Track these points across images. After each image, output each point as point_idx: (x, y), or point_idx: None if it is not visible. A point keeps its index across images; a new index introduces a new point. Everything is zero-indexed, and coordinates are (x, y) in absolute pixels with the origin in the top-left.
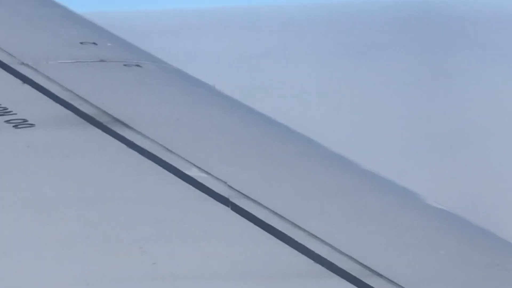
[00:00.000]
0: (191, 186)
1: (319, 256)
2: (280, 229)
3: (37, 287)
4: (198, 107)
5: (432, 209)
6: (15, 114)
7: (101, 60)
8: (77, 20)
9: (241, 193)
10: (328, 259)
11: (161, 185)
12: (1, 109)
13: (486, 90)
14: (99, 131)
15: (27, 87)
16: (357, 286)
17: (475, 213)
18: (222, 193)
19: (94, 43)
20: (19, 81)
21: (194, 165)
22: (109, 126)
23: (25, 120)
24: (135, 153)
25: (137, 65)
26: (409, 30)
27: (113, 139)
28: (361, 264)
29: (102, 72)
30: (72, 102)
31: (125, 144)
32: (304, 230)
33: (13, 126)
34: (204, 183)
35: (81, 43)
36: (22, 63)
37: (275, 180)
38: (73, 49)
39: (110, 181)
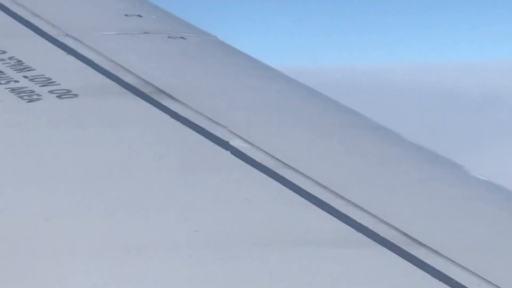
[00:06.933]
0: (234, 156)
1: (361, 225)
2: (322, 198)
3: (81, 251)
4: (242, 78)
5: (476, 180)
6: (59, 84)
7: (146, 32)
8: None
9: (284, 163)
10: (371, 228)
11: (204, 155)
12: (45, 79)
13: None
14: (142, 101)
15: (71, 58)
16: (399, 255)
17: None
18: (265, 163)
19: (139, 16)
20: (63, 52)
21: (237, 135)
22: (152, 96)
23: (68, 91)
24: (178, 123)
25: (182, 37)
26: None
27: (156, 109)
28: (403, 233)
29: (146, 44)
30: (115, 73)
31: (168, 114)
32: (347, 200)
33: (57, 96)
34: (247, 153)
35: (126, 15)
36: (67, 35)
37: (317, 151)
38: (118, 21)
39: (153, 151)
